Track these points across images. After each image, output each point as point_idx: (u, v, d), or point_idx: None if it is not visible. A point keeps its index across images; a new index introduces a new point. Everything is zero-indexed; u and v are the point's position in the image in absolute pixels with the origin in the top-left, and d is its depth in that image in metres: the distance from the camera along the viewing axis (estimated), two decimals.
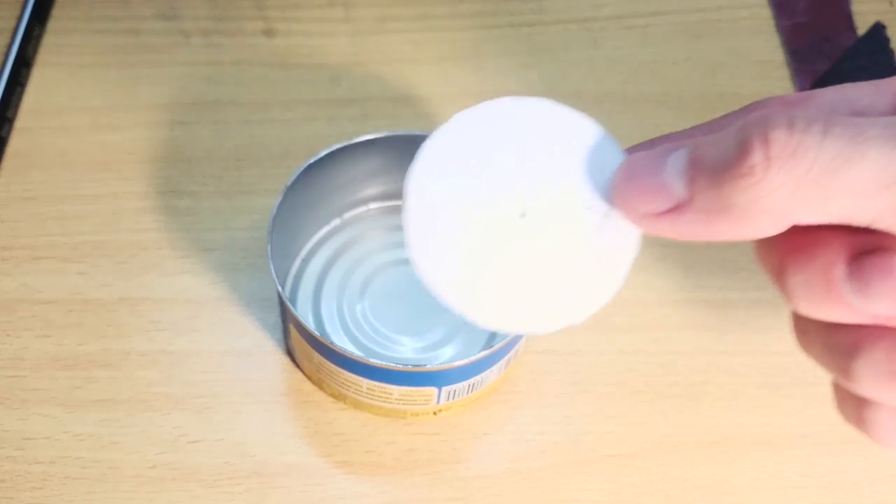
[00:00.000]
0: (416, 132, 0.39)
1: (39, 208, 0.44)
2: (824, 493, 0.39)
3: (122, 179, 0.45)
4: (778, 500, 0.38)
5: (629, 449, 0.39)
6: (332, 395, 0.39)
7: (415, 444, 0.39)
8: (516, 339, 0.37)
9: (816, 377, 0.42)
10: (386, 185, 0.42)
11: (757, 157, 0.21)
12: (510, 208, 0.26)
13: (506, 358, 0.38)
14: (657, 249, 0.44)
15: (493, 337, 0.40)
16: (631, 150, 0.25)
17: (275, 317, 0.41)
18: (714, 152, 0.22)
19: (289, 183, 0.38)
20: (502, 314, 0.26)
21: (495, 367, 0.37)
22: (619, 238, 0.25)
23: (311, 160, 0.38)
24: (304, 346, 0.37)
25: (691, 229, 0.23)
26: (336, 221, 0.43)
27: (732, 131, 0.22)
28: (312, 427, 0.39)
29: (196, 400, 0.39)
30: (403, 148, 0.35)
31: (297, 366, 0.40)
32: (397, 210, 0.43)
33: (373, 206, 0.43)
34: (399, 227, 0.43)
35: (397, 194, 0.43)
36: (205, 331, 0.41)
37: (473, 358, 0.35)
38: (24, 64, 0.48)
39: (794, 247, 0.23)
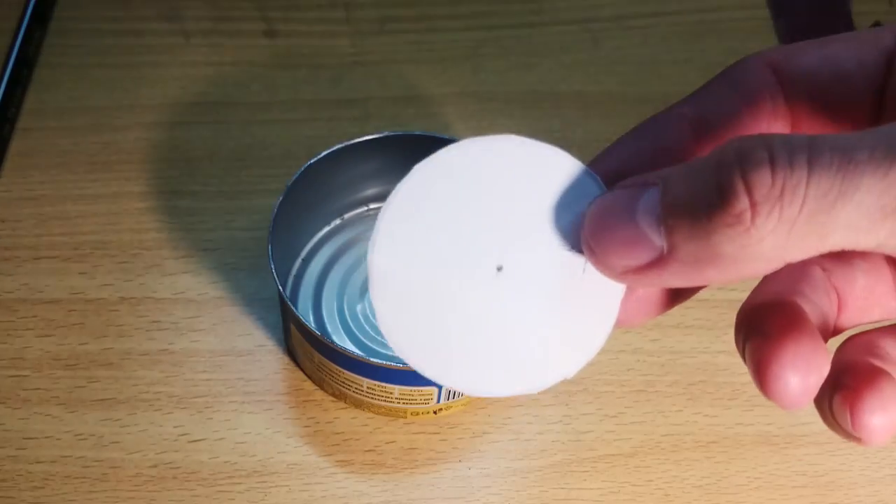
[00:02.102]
0: (417, 132, 0.39)
1: (41, 208, 0.44)
2: (823, 492, 0.39)
3: (124, 179, 0.45)
4: (776, 499, 0.38)
5: (628, 448, 0.39)
6: (333, 395, 0.39)
7: (415, 443, 0.39)
8: None
9: None
10: (386, 185, 0.43)
11: (742, 203, 0.18)
12: (485, 264, 0.23)
13: None
14: None
15: None
16: (596, 167, 0.23)
17: (275, 316, 0.41)
18: (690, 193, 0.20)
19: (289, 183, 0.38)
20: (491, 379, 0.24)
21: None
22: (605, 280, 0.23)
23: (312, 160, 0.38)
24: (305, 345, 0.37)
25: (678, 281, 0.21)
26: (336, 221, 0.43)
27: (709, 168, 0.19)
28: (313, 426, 0.39)
29: (197, 399, 0.40)
30: (403, 148, 0.35)
31: (298, 365, 0.40)
32: None
33: (373, 206, 0.43)
34: None
35: None
36: (206, 330, 0.41)
37: None
38: (25, 64, 0.48)
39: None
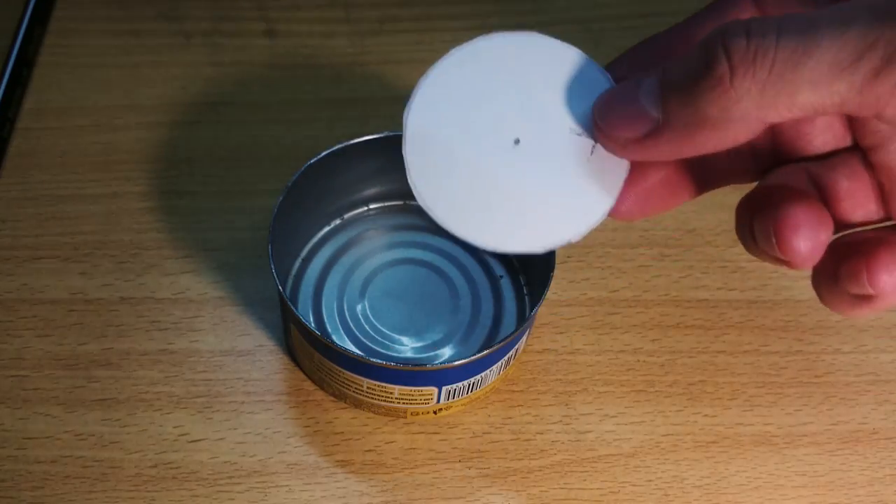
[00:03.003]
0: None
1: (40, 208, 0.44)
2: (822, 492, 0.39)
3: (124, 179, 0.45)
4: (776, 499, 0.38)
5: (628, 448, 0.39)
6: (333, 395, 0.39)
7: (415, 443, 0.39)
8: (516, 338, 0.37)
9: (815, 377, 0.42)
10: (386, 185, 0.43)
11: (722, 67, 0.22)
12: (505, 136, 0.27)
13: (506, 357, 0.38)
14: (657, 250, 0.44)
15: (492, 337, 0.41)
16: (610, 69, 0.27)
17: (275, 316, 0.42)
18: (681, 70, 0.23)
19: (289, 183, 0.38)
20: (501, 234, 0.27)
21: (495, 367, 0.38)
22: (611, 159, 0.26)
23: (312, 160, 0.38)
24: (305, 345, 0.37)
25: (672, 148, 0.24)
26: (336, 221, 0.43)
27: (698, 48, 0.23)
28: (313, 426, 0.39)
29: (197, 399, 0.40)
30: None
31: (298, 365, 0.40)
32: (397, 210, 0.43)
33: (373, 206, 0.43)
34: (399, 227, 0.43)
35: (397, 194, 0.43)
36: (206, 330, 0.41)
37: (473, 357, 0.35)
38: (25, 64, 0.48)
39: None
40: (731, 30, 0.22)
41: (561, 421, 0.40)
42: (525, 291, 0.42)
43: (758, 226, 0.26)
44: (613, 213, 0.28)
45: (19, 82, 0.47)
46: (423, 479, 0.38)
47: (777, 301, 0.43)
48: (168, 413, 0.39)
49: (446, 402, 0.38)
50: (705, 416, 0.40)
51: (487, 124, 0.27)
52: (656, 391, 0.41)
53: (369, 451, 0.39)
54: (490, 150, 0.27)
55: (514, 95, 0.27)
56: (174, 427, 0.39)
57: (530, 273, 0.42)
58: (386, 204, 0.43)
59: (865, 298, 0.26)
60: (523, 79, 0.27)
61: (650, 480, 0.39)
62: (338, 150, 0.39)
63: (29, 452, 0.38)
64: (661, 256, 0.44)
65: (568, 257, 0.44)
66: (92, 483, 0.37)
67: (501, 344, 0.36)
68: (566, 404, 0.40)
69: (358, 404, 0.39)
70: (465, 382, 0.37)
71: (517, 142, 0.27)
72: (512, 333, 0.36)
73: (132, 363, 0.40)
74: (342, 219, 0.43)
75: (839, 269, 0.26)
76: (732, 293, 0.43)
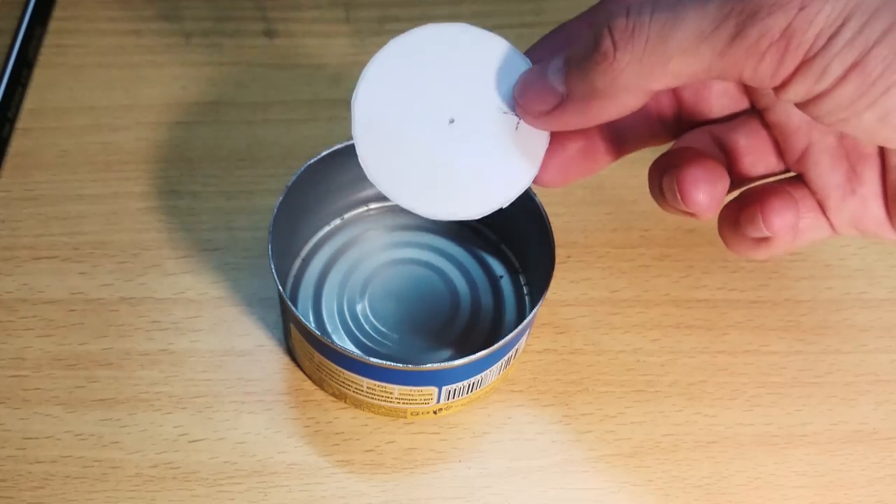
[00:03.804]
0: None
1: (41, 208, 0.44)
2: (822, 493, 0.39)
3: (124, 179, 0.45)
4: (776, 500, 0.38)
5: (628, 448, 0.39)
6: (333, 395, 0.39)
7: (415, 443, 0.39)
8: (516, 338, 0.37)
9: (815, 377, 0.42)
10: None
11: (606, 43, 0.26)
12: (441, 116, 0.30)
13: (506, 357, 0.38)
14: (658, 250, 0.44)
15: (492, 337, 0.41)
16: (529, 53, 0.31)
17: (276, 316, 0.42)
18: (579, 50, 0.27)
19: (289, 183, 0.38)
20: (439, 202, 0.31)
21: (495, 367, 0.38)
22: (533, 133, 0.30)
23: (312, 160, 0.38)
24: (305, 345, 0.37)
25: (575, 119, 0.28)
26: (336, 221, 0.43)
27: (590, 29, 0.27)
28: (313, 426, 0.39)
29: (197, 399, 0.40)
30: None
31: (298, 365, 0.40)
32: (397, 210, 0.43)
33: (373, 206, 0.43)
34: (399, 227, 0.43)
35: None
36: (206, 330, 0.41)
37: (473, 357, 0.35)
38: (25, 64, 0.48)
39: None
40: (614, 11, 0.26)
41: (561, 421, 0.40)
42: (525, 291, 0.42)
43: (665, 184, 0.30)
44: (538, 180, 0.31)
45: (19, 82, 0.47)
46: (423, 479, 0.38)
47: (777, 301, 0.43)
48: (168, 413, 0.39)
49: (446, 401, 0.38)
50: (705, 416, 0.40)
51: (425, 106, 0.30)
52: (656, 391, 0.41)
53: (369, 451, 0.39)
54: (428, 129, 0.30)
55: (448, 80, 0.30)
56: (174, 427, 0.39)
57: (530, 273, 0.42)
58: (386, 204, 0.43)
59: (763, 241, 0.30)
60: (456, 66, 0.31)
61: (650, 480, 0.39)
62: (338, 150, 0.39)
63: (29, 452, 0.38)
64: (661, 256, 0.44)
65: (568, 257, 0.44)
66: (92, 483, 0.37)
67: (501, 344, 0.36)
68: (566, 404, 0.40)
69: (358, 404, 0.39)
70: (465, 382, 0.37)
71: (452, 121, 0.30)
72: (512, 333, 0.36)
73: (132, 363, 0.40)
74: (342, 219, 0.43)
75: (740, 216, 0.30)
76: (733, 293, 0.43)
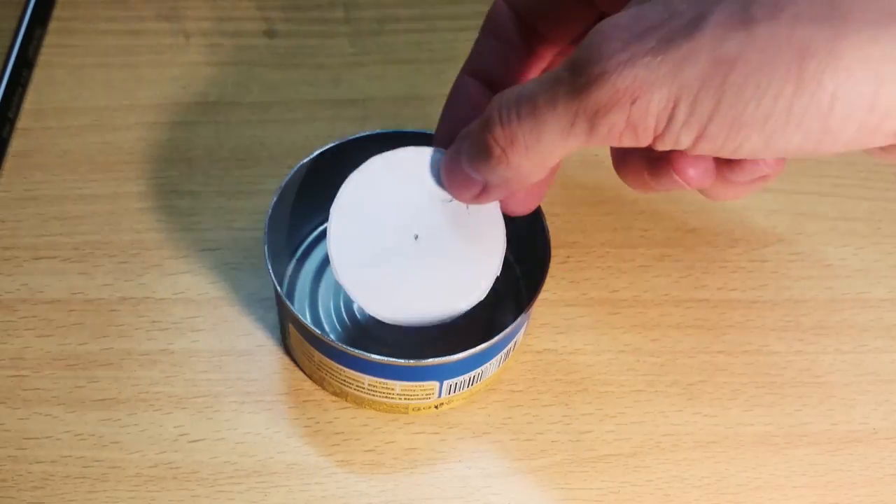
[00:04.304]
0: (407, 130, 0.39)
1: (41, 208, 0.44)
2: (823, 493, 0.39)
3: (124, 179, 0.45)
4: (776, 500, 0.38)
5: (628, 448, 0.39)
6: (334, 393, 0.39)
7: (415, 443, 0.39)
8: (514, 330, 0.37)
9: (815, 377, 0.42)
10: None
11: (496, 150, 0.29)
12: (407, 234, 0.34)
13: (504, 350, 0.38)
14: (657, 250, 0.44)
15: (490, 331, 0.40)
16: (439, 129, 0.35)
17: (275, 316, 0.42)
18: (475, 151, 0.30)
19: (283, 183, 0.38)
20: (405, 310, 0.34)
21: (495, 360, 0.38)
22: (484, 208, 0.34)
23: (305, 160, 0.38)
24: (304, 344, 0.37)
25: (504, 193, 0.31)
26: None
27: (477, 132, 0.29)
28: (313, 426, 0.39)
29: (197, 399, 0.40)
30: (397, 145, 0.35)
31: (297, 365, 0.40)
32: None
33: None
34: None
35: None
36: (206, 330, 0.41)
37: (474, 350, 0.35)
38: (25, 65, 0.48)
39: None
40: (491, 118, 0.28)
41: (561, 421, 0.40)
42: (521, 283, 0.42)
43: (656, 175, 0.30)
44: (505, 209, 0.34)
45: (19, 82, 0.47)
46: (423, 479, 0.38)
47: (777, 301, 0.43)
48: (168, 413, 0.39)
49: (447, 396, 0.38)
50: (705, 416, 0.40)
51: (391, 227, 0.34)
52: (656, 391, 0.41)
53: (369, 451, 0.39)
54: (397, 248, 0.34)
55: (406, 197, 0.34)
56: (174, 427, 0.39)
57: (525, 264, 0.42)
58: None
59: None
60: (411, 182, 0.34)
61: (650, 480, 0.39)
62: (328, 148, 0.39)
63: (29, 452, 0.38)
64: (661, 256, 0.44)
65: (568, 257, 0.44)
66: (92, 483, 0.38)
67: (501, 336, 0.36)
68: (566, 404, 0.40)
69: (359, 402, 0.39)
70: (466, 376, 0.37)
71: (416, 237, 0.34)
72: (511, 325, 0.36)
73: (132, 363, 0.40)
74: None
75: (648, 172, 0.30)
76: (733, 293, 0.43)
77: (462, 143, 0.31)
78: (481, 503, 0.38)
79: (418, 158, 0.34)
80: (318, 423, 0.39)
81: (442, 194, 0.34)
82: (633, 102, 0.25)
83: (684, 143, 0.25)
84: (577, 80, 0.25)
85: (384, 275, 0.34)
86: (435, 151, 0.34)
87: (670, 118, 0.25)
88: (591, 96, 0.25)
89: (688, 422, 0.40)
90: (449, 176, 0.32)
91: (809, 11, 0.23)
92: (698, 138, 0.25)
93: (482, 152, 0.29)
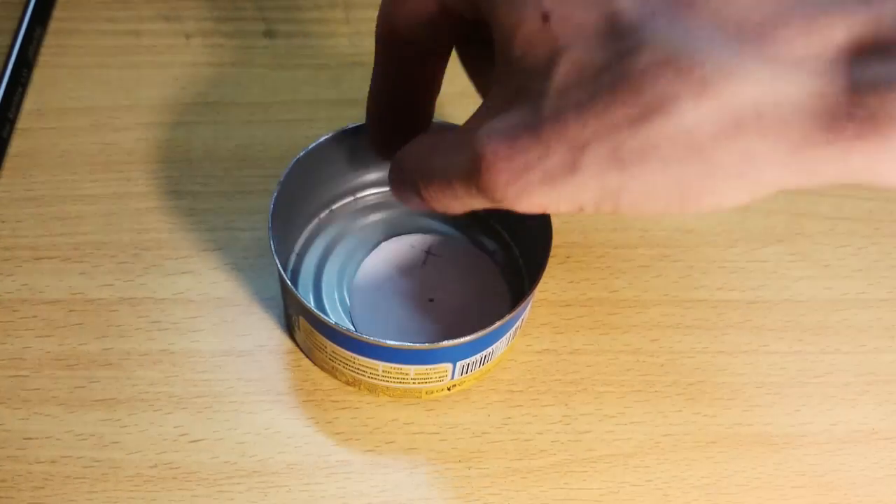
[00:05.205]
0: None
1: (41, 208, 0.44)
2: (822, 493, 0.39)
3: (124, 180, 0.45)
4: (776, 500, 0.39)
5: (628, 448, 0.39)
6: (346, 383, 0.40)
7: (415, 443, 0.39)
8: (523, 308, 0.37)
9: (814, 377, 0.42)
10: (373, 173, 0.43)
11: (421, 197, 0.29)
12: (422, 298, 0.39)
13: (514, 328, 0.38)
14: (657, 250, 0.44)
15: (490, 310, 0.40)
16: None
17: (276, 316, 0.42)
18: (401, 186, 0.30)
19: (282, 178, 0.38)
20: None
21: (504, 338, 0.38)
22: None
23: (301, 153, 0.39)
24: (316, 336, 0.37)
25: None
26: (324, 213, 0.43)
27: (402, 180, 0.30)
28: (313, 426, 0.39)
29: (197, 399, 0.40)
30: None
31: (308, 356, 0.40)
32: (386, 196, 0.43)
33: (359, 195, 0.43)
34: (389, 212, 0.43)
35: (384, 182, 0.43)
36: (206, 330, 0.41)
37: (488, 329, 0.35)
38: (25, 65, 0.48)
39: None
40: (415, 183, 0.29)
41: (561, 421, 0.40)
42: (521, 263, 0.42)
43: None
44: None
45: (19, 82, 0.47)
46: (423, 479, 0.38)
47: (777, 301, 0.43)
48: (168, 413, 0.39)
49: (460, 377, 0.38)
50: (705, 416, 0.40)
51: (406, 293, 0.39)
52: (656, 391, 0.41)
53: (369, 451, 0.39)
54: (413, 311, 0.39)
55: (420, 267, 0.40)
56: (174, 427, 0.39)
57: (522, 245, 0.42)
58: (372, 192, 0.43)
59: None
60: (420, 255, 0.40)
61: (650, 480, 0.39)
62: (322, 142, 0.39)
63: (29, 452, 0.38)
64: (660, 256, 0.44)
65: (567, 257, 0.44)
66: (92, 483, 0.38)
67: (512, 314, 0.36)
68: (566, 404, 0.40)
69: (373, 389, 0.39)
70: (478, 356, 0.37)
71: (431, 300, 0.39)
72: (522, 300, 0.36)
73: (132, 363, 0.40)
74: (330, 210, 0.43)
75: None
76: (732, 293, 0.43)
77: (396, 173, 0.31)
78: (481, 503, 0.38)
79: (423, 243, 0.40)
80: (318, 423, 0.39)
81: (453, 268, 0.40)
82: (543, 208, 0.26)
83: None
84: (482, 197, 0.26)
85: (404, 335, 0.39)
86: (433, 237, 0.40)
87: (580, 210, 0.26)
88: (502, 206, 0.27)
89: (687, 422, 0.40)
90: (396, 194, 0.32)
91: (674, 155, 0.24)
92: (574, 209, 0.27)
93: (410, 191, 0.30)
